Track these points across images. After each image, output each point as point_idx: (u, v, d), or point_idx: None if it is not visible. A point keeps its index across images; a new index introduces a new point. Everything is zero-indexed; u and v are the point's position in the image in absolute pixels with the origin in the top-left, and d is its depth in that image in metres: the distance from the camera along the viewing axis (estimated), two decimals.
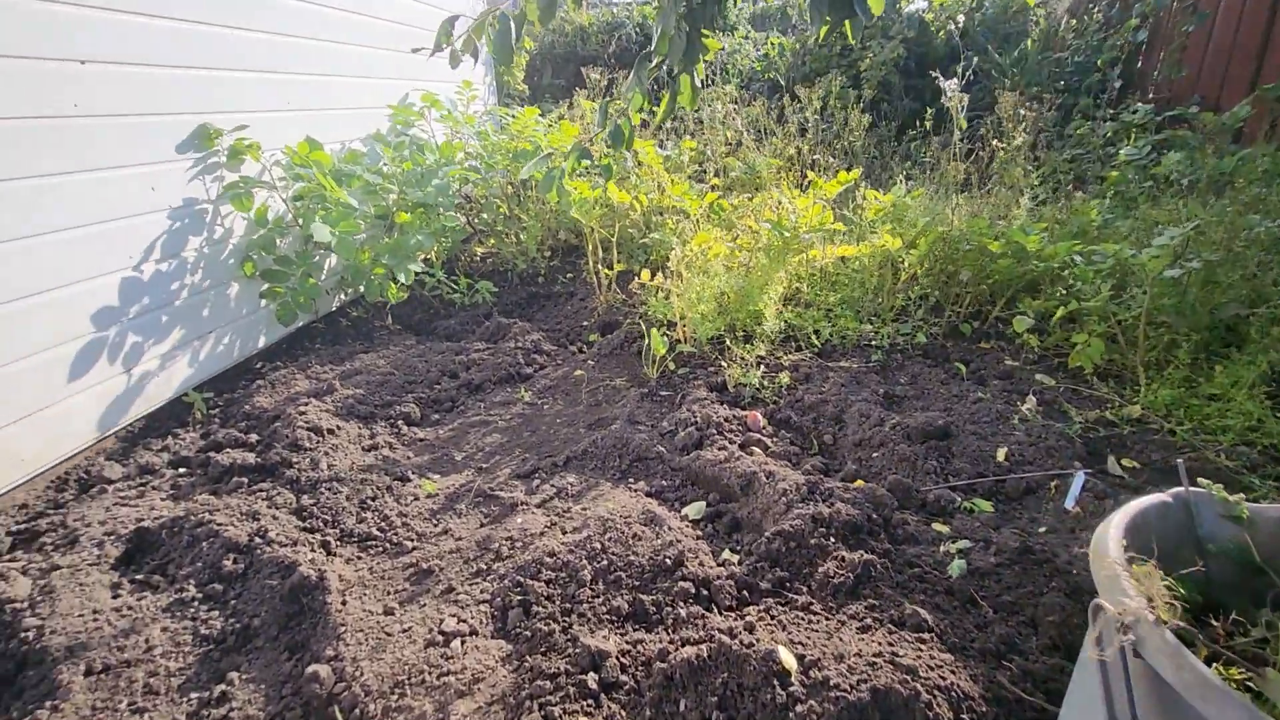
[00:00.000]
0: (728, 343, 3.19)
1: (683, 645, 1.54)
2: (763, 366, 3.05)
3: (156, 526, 1.99)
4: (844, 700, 1.24)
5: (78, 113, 2.36)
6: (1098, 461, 2.36)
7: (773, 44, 8.08)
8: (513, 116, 4.68)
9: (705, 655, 1.43)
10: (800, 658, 1.38)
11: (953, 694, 1.26)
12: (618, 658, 1.54)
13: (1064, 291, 3.13)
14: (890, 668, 1.30)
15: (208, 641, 1.68)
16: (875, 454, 2.41)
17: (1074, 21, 5.99)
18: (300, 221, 3.28)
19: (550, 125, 4.56)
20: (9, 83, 2.13)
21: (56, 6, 2.27)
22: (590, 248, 3.82)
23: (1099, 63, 5.29)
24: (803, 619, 1.59)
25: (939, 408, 2.72)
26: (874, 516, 1.96)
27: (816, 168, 5.05)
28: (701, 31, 2.07)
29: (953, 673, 1.31)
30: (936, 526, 2.03)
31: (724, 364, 3.09)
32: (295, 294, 3.31)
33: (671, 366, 3.10)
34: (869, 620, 1.54)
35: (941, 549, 1.91)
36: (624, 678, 1.51)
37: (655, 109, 2.36)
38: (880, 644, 1.41)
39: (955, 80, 3.29)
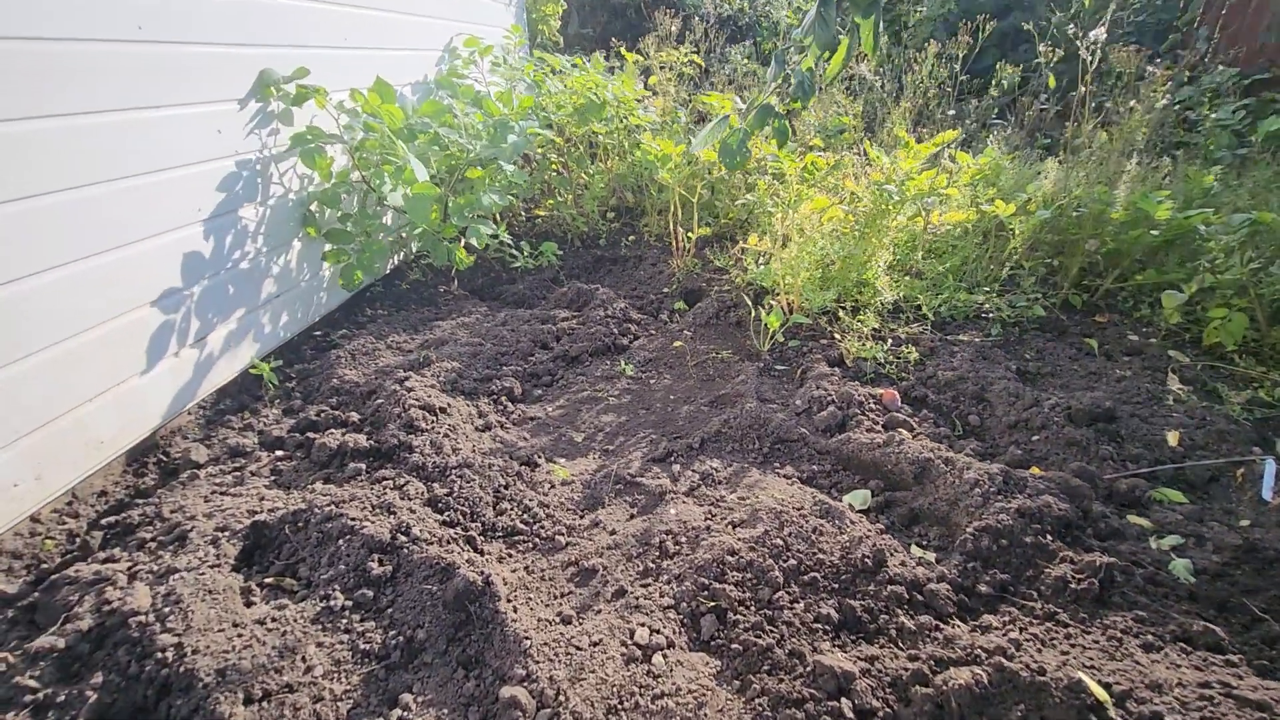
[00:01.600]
0: (839, 314, 2.97)
1: (939, 665, 1.36)
2: (880, 340, 2.85)
3: (276, 521, 1.74)
4: None
5: (142, 37, 2.00)
6: (1268, 445, 2.22)
7: None
8: (549, 68, 4.30)
9: (987, 681, 1.24)
10: (1105, 686, 1.20)
11: None
12: (861, 677, 1.36)
13: (1189, 263, 2.96)
14: (1231, 702, 1.13)
15: (369, 658, 1.45)
16: (1035, 437, 2.24)
17: None
18: (364, 175, 2.94)
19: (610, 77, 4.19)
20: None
21: None
22: (671, 210, 3.54)
23: (1176, 22, 5.04)
24: (1059, 632, 1.42)
25: (1081, 385, 2.55)
26: (1076, 510, 1.79)
27: (884, 126, 4.77)
28: None
29: None
30: (1134, 519, 1.87)
31: (837, 336, 2.87)
32: (360, 256, 3.00)
33: (781, 339, 2.87)
34: (1148, 637, 1.37)
35: (1153, 545, 1.75)
36: (875, 703, 1.32)
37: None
38: (1190, 671, 1.24)
39: (1101, 30, 3.01)
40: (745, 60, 5.43)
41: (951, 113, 4.50)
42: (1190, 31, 4.80)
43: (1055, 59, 3.55)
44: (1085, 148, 3.49)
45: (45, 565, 1.72)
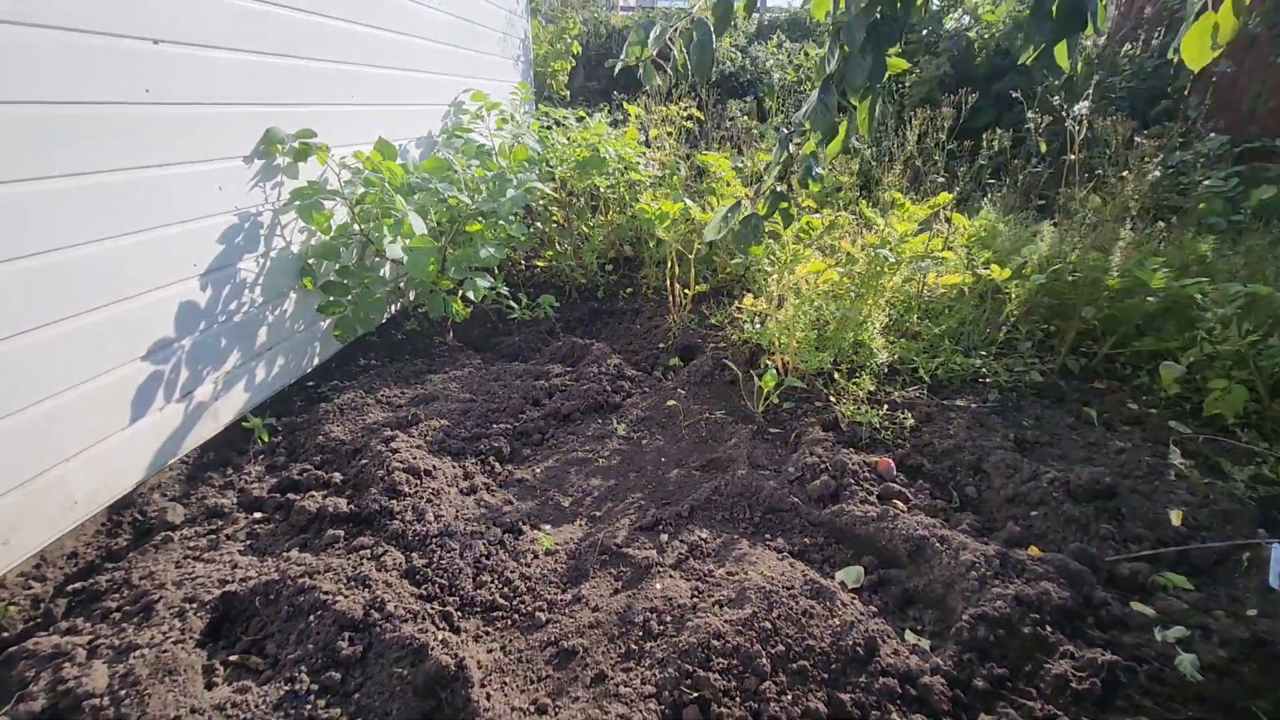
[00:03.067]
0: (834, 375, 2.94)
1: None
2: (876, 404, 2.82)
3: (247, 592, 1.68)
4: None
5: (149, 99, 2.04)
6: (1274, 526, 2.16)
7: (808, 55, 7.90)
8: (553, 122, 4.40)
9: None
10: None
11: None
12: None
13: (1186, 331, 2.95)
14: None
15: None
16: (1034, 513, 2.18)
17: (1128, 47, 5.89)
18: (363, 229, 2.97)
19: (610, 132, 4.29)
20: (79, 62, 1.82)
21: None
22: (669, 266, 3.56)
23: (1168, 89, 5.16)
24: None
25: (1079, 457, 2.51)
26: (1077, 596, 1.73)
27: (879, 185, 4.85)
28: (885, 51, 1.82)
29: None
30: (1138, 607, 1.80)
31: (832, 399, 2.85)
32: (356, 308, 3.01)
33: (775, 400, 2.84)
34: None
35: (1158, 637, 1.69)
36: None
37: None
38: None
39: (1086, 103, 3.08)
40: (744, 117, 5.55)
41: (941, 180, 4.58)
42: (1181, 98, 4.92)
43: (1046, 124, 3.62)
44: (1079, 211, 3.53)
45: (5, 634, 1.66)
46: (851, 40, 1.74)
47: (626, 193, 4.17)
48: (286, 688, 1.47)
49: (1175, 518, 2.16)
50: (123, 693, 1.39)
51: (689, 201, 3.33)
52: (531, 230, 4.26)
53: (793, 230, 3.19)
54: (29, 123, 1.70)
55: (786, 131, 1.91)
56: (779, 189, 1.94)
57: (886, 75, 1.83)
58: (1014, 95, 4.05)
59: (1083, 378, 3.15)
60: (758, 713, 1.48)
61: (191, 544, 1.93)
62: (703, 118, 5.87)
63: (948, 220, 3.75)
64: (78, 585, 1.78)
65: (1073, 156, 3.33)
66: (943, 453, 2.49)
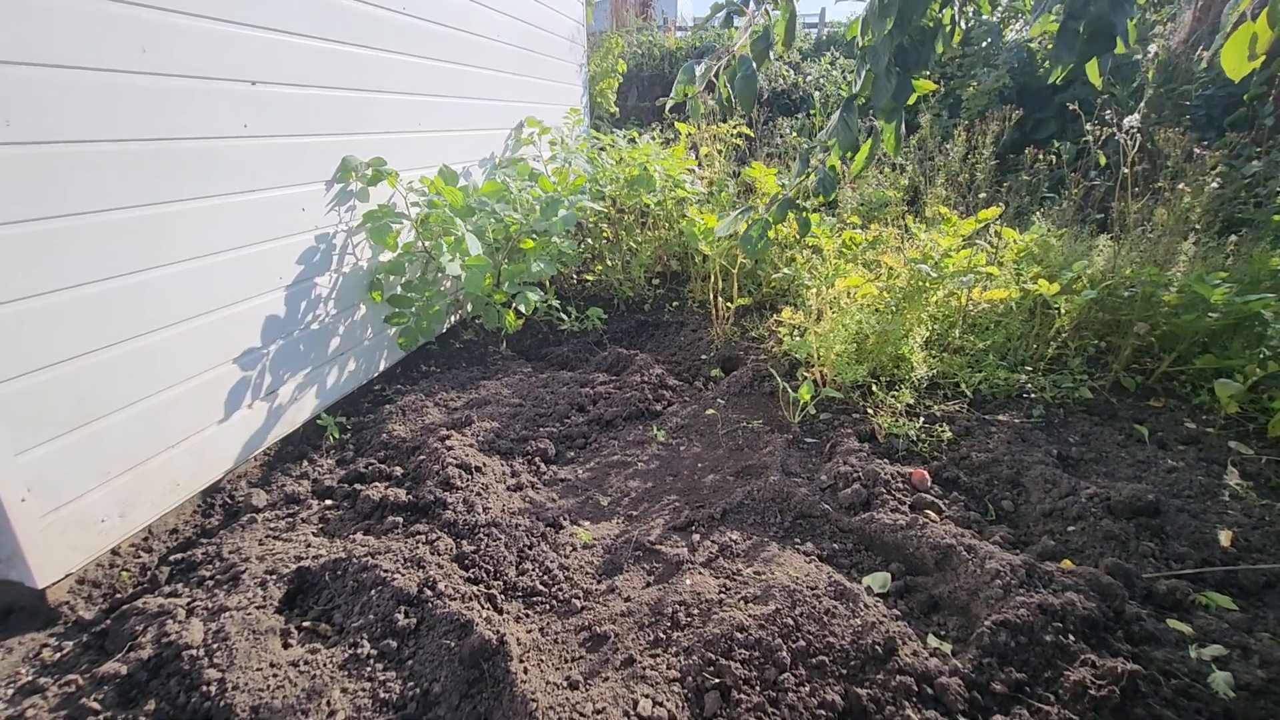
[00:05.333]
0: (872, 388, 2.98)
1: None
2: (914, 416, 2.83)
3: (318, 568, 1.89)
4: None
5: (246, 133, 2.33)
6: None
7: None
8: (604, 145, 4.61)
9: None
10: None
11: None
12: None
13: (1252, 349, 2.83)
14: None
15: (388, 708, 1.55)
16: (1071, 528, 2.17)
17: (1202, 53, 5.64)
18: (426, 246, 3.22)
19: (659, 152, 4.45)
20: (192, 103, 2.11)
21: (239, 29, 2.26)
22: (711, 280, 3.68)
23: (1244, 97, 4.93)
24: None
25: (1126, 474, 2.46)
26: (1106, 609, 1.73)
27: (928, 200, 4.82)
28: (911, 74, 1.90)
29: None
30: (1175, 625, 1.78)
31: (869, 411, 2.88)
32: (419, 319, 3.26)
33: (812, 411, 2.90)
34: None
35: (1192, 654, 1.66)
36: None
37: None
38: None
39: (1135, 116, 3.04)
40: (794, 134, 5.63)
41: (990, 193, 4.51)
42: (1257, 106, 4.69)
43: (1106, 136, 3.55)
44: (1138, 225, 3.44)
45: (119, 595, 1.92)
46: (876, 63, 1.83)
47: (674, 209, 4.32)
48: (350, 651, 1.66)
49: (1225, 538, 2.10)
50: (215, 646, 1.60)
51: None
52: (582, 246, 4.46)
53: (835, 244, 3.25)
54: (163, 157, 2.00)
55: (810, 146, 2.01)
56: (793, 197, 2.03)
57: (913, 97, 1.90)
58: (1071, 108, 3.97)
59: (1138, 395, 3.06)
60: (775, 701, 1.56)
61: (272, 525, 2.16)
62: (753, 135, 5.99)
63: (997, 234, 3.73)
64: (178, 556, 2.04)
65: (1127, 170, 3.26)
66: (980, 466, 2.49)
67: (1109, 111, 3.74)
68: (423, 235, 3.23)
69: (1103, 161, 4.01)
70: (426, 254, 3.26)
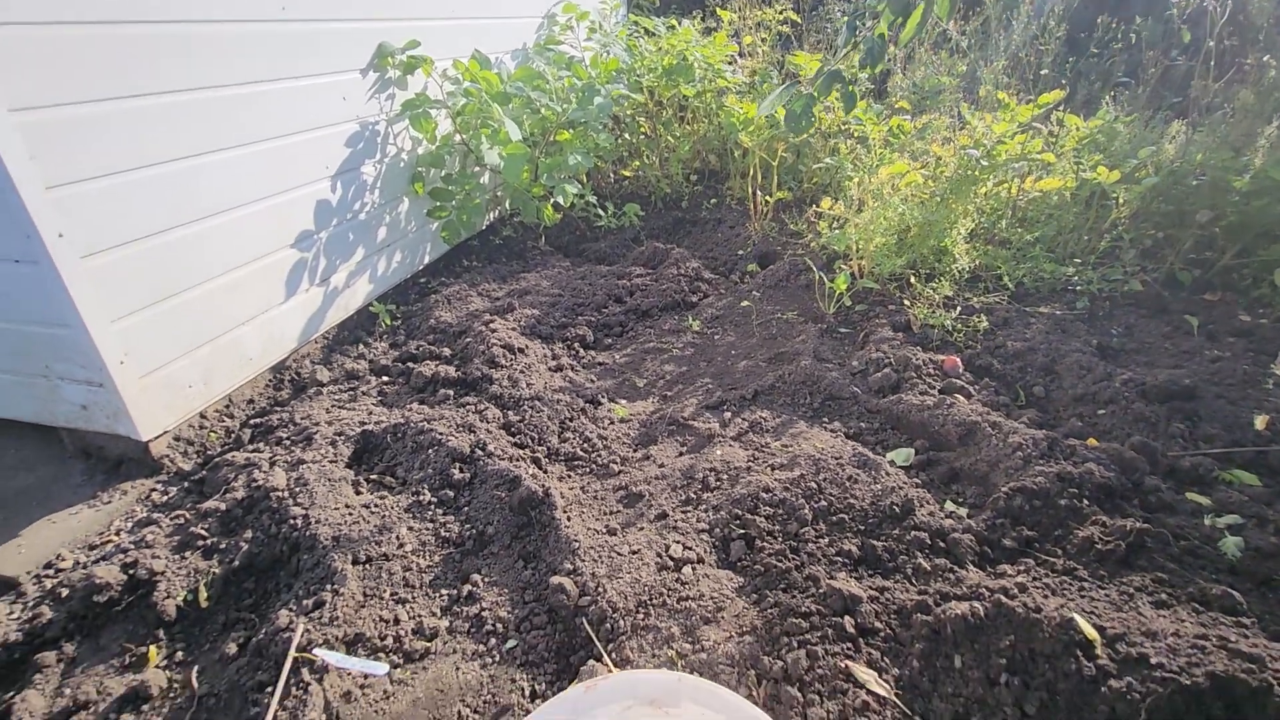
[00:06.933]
0: (910, 280, 2.95)
1: (943, 599, 1.46)
2: (951, 307, 2.82)
3: (380, 431, 2.08)
4: (1174, 683, 1.13)
5: (285, 17, 2.34)
6: None
7: None
8: (642, 30, 4.39)
9: (983, 614, 1.34)
10: (1100, 629, 1.27)
11: None
12: (868, 603, 1.49)
13: None
14: (1224, 653, 1.17)
15: (448, 544, 1.75)
16: (1102, 411, 2.19)
17: None
18: (464, 138, 3.23)
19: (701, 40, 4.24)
20: None
21: None
22: (750, 174, 3.60)
23: None
24: (1072, 585, 1.47)
25: (1167, 364, 2.43)
26: (1124, 480, 1.78)
27: (985, 81, 4.50)
28: None
29: None
30: (1193, 497, 1.83)
31: (906, 302, 2.87)
32: (459, 212, 3.32)
33: (848, 303, 2.91)
34: (1161, 595, 1.40)
35: (1206, 522, 1.72)
36: (878, 624, 1.45)
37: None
38: (1192, 624, 1.28)
39: None
40: (844, 18, 5.23)
41: (1055, 73, 4.14)
42: None
43: (1191, 7, 3.21)
44: (1219, 108, 3.17)
45: (210, 451, 2.17)
46: None
47: (714, 101, 4.17)
48: (413, 498, 1.86)
49: (1260, 422, 2.09)
50: (297, 490, 1.82)
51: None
52: (619, 141, 4.37)
53: (881, 132, 3.12)
54: (210, 42, 2.04)
55: (857, 12, 1.91)
56: (838, 69, 1.95)
57: None
58: None
59: (1193, 289, 2.95)
60: (796, 549, 1.70)
61: (336, 397, 2.36)
62: (800, 20, 5.60)
63: (1058, 122, 3.50)
64: (257, 421, 2.26)
65: (1211, 43, 2.97)
66: (1014, 354, 2.50)
67: None
68: (460, 128, 3.23)
69: (1186, 39, 3.64)
70: (465, 146, 3.28)
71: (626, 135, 4.41)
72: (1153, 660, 1.18)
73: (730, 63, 4.23)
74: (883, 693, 1.31)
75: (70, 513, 1.93)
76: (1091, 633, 1.25)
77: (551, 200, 3.49)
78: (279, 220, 2.42)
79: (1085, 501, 1.69)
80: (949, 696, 1.29)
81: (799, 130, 2.12)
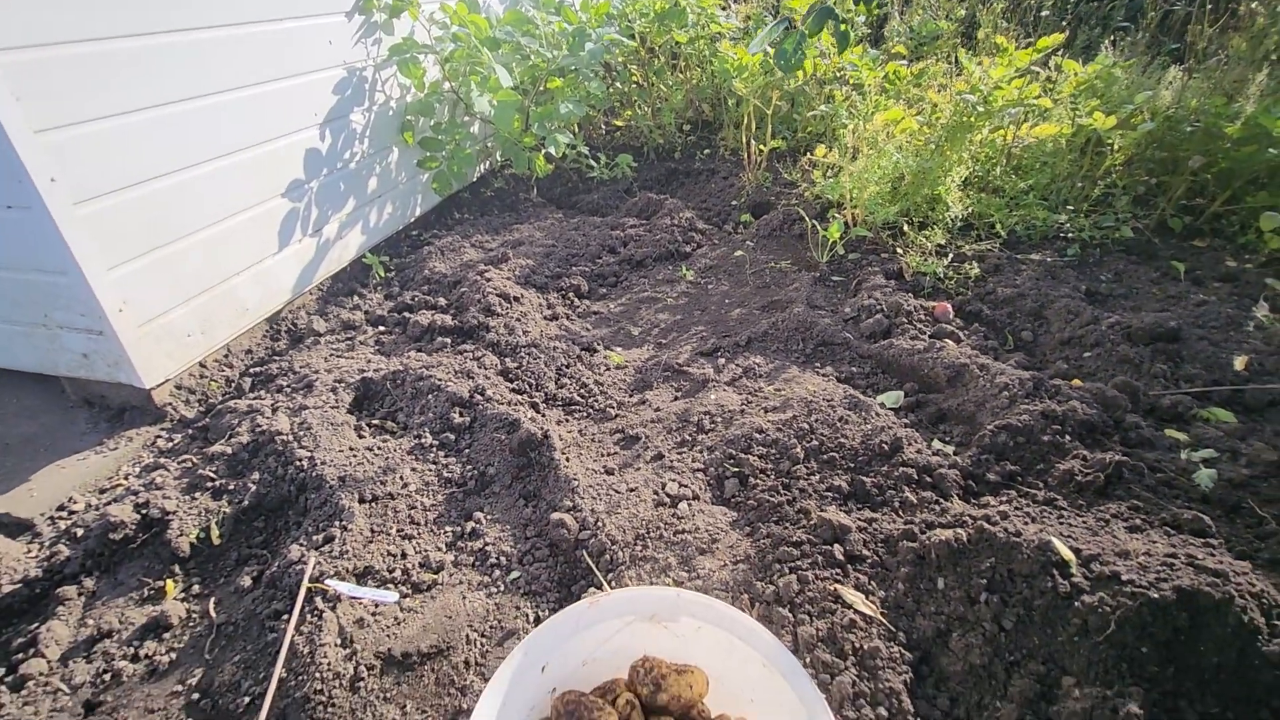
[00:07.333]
0: (903, 228, 2.96)
1: (929, 528, 1.53)
2: (943, 255, 2.84)
3: (380, 378, 2.10)
4: (1144, 597, 1.20)
5: None
6: None
7: None
8: None
9: (965, 539, 1.41)
10: (1075, 551, 1.34)
11: (1264, 600, 1.20)
12: (857, 532, 1.56)
13: None
14: (1191, 570, 1.25)
15: (450, 484, 1.80)
16: (1087, 354, 2.24)
17: None
18: (454, 85, 3.16)
19: None
20: None
21: None
22: (745, 123, 3.55)
23: None
24: (1051, 514, 1.54)
25: (1153, 308, 2.48)
26: (1106, 418, 1.84)
27: (983, 25, 4.42)
28: None
29: (1257, 580, 1.24)
30: (1171, 433, 1.89)
31: (899, 250, 2.89)
32: (450, 163, 3.28)
33: (841, 251, 2.93)
34: (1136, 521, 1.47)
35: (1183, 456, 1.79)
36: (866, 552, 1.53)
37: None
38: (1163, 545, 1.35)
39: None
40: None
41: (1055, 15, 4.06)
42: None
43: None
44: (1215, 55, 3.14)
45: (211, 400, 2.19)
46: None
47: (707, 47, 4.08)
48: (415, 441, 1.90)
49: (1239, 363, 2.15)
50: (301, 434, 1.86)
51: (770, 52, 3.25)
52: (611, 90, 4.29)
53: (877, 77, 3.08)
54: None
55: None
56: (831, 4, 1.92)
57: None
58: None
59: (1183, 235, 2.98)
60: (788, 485, 1.76)
61: (333, 346, 2.38)
62: None
63: (1056, 67, 3.46)
64: (256, 370, 2.28)
65: None
66: (1004, 300, 2.53)
67: None
68: (449, 75, 3.16)
69: None
70: (454, 94, 3.21)
71: (618, 84, 4.33)
72: (1124, 577, 1.26)
73: (724, 7, 4.12)
74: (869, 612, 1.39)
75: (78, 458, 1.97)
76: (1067, 554, 1.32)
77: (543, 151, 3.44)
78: (269, 168, 2.39)
79: (1067, 437, 1.76)
80: (932, 615, 1.37)
81: (789, 69, 2.09)
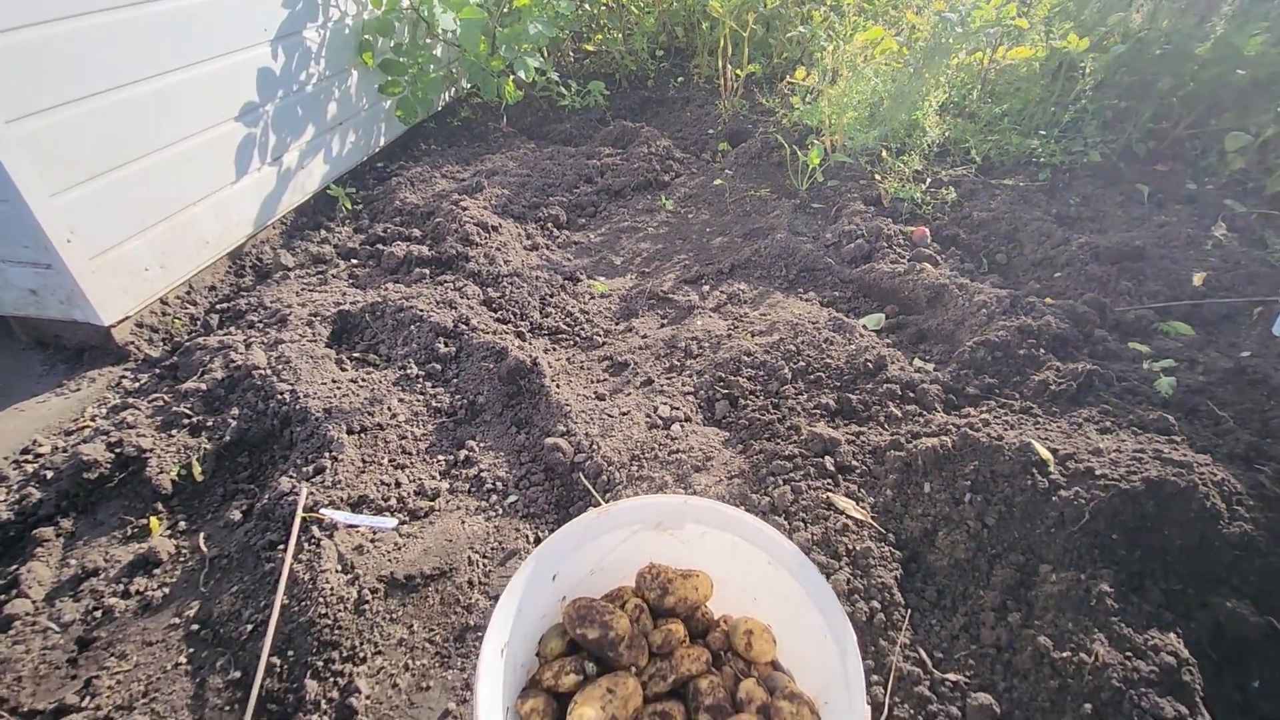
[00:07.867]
0: (882, 154, 2.95)
1: (914, 438, 1.58)
2: (920, 181, 2.85)
3: (357, 311, 2.04)
4: (1115, 488, 1.28)
5: None
6: None
7: None
8: None
9: (950, 445, 1.47)
10: (1053, 451, 1.41)
11: (1225, 488, 1.29)
12: (846, 445, 1.61)
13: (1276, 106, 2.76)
14: (1158, 462, 1.33)
15: (440, 414, 1.78)
16: (1058, 274, 2.30)
17: None
18: (413, 3, 2.95)
19: None
20: None
21: None
22: (720, 46, 3.43)
23: None
24: (1028, 421, 1.61)
25: (1119, 229, 2.55)
26: (1076, 332, 1.92)
27: None
28: None
29: (1218, 470, 1.33)
30: (1135, 345, 1.98)
31: (877, 176, 2.89)
32: (414, 88, 3.10)
33: (820, 178, 2.91)
34: (1106, 424, 1.55)
35: (1145, 366, 1.88)
36: (855, 463, 1.58)
37: None
38: (1132, 443, 1.43)
39: None
40: None
41: None
42: None
43: None
44: None
45: (177, 338, 2.10)
46: None
47: None
48: (401, 373, 1.86)
49: (1198, 279, 2.25)
50: (280, 367, 1.80)
51: None
52: (580, 12, 4.07)
53: None
54: None
55: None
56: None
57: None
58: None
59: (1147, 160, 3.05)
60: (776, 405, 1.80)
61: (304, 280, 2.28)
62: None
63: None
64: (223, 306, 2.18)
65: None
66: (980, 224, 2.57)
67: None
68: None
69: None
70: (415, 12, 3.00)
71: (587, 5, 4.11)
72: (1097, 472, 1.33)
73: None
74: (860, 517, 1.45)
75: (38, 401, 1.87)
76: (1046, 453, 1.39)
77: (512, 76, 3.27)
78: (221, 87, 2.22)
79: (1042, 350, 1.82)
80: (919, 516, 1.43)
81: None
